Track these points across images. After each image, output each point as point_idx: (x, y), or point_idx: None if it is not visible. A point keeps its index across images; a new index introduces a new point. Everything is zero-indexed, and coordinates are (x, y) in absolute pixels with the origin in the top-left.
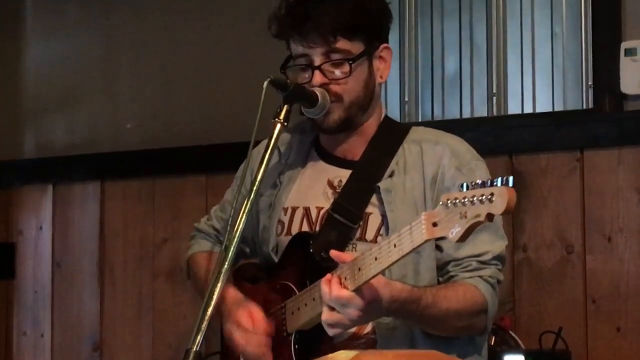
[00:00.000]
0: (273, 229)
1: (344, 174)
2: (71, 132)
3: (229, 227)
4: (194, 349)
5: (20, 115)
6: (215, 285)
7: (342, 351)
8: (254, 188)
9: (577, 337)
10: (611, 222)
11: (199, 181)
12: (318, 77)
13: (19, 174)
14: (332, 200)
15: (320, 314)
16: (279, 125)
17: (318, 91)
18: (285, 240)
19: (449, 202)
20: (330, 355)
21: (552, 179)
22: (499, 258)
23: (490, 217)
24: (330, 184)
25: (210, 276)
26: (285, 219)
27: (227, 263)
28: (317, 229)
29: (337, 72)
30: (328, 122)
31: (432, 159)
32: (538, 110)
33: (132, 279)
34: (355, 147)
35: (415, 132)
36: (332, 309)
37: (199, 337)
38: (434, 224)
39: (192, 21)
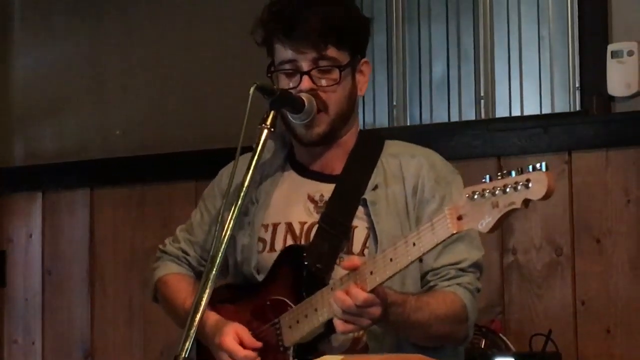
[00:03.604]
0: (254, 247)
1: (325, 188)
2: (60, 139)
3: (215, 233)
4: (183, 355)
5: (10, 123)
6: (203, 292)
7: (327, 356)
8: (241, 194)
9: (567, 339)
10: (600, 224)
11: (188, 187)
12: (307, 82)
13: (8, 182)
14: (315, 214)
15: (323, 324)
16: (265, 131)
17: (305, 97)
18: (268, 257)
19: (475, 194)
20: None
21: None
22: (476, 266)
23: (526, 203)
24: (311, 198)
25: (185, 298)
26: (267, 236)
27: (214, 270)
28: (303, 242)
29: (325, 80)
30: (312, 135)
31: (412, 171)
32: (526, 113)
33: (122, 286)
34: (334, 160)
35: (391, 146)
36: (346, 314)
37: (187, 343)
38: (459, 217)
39: (181, 28)
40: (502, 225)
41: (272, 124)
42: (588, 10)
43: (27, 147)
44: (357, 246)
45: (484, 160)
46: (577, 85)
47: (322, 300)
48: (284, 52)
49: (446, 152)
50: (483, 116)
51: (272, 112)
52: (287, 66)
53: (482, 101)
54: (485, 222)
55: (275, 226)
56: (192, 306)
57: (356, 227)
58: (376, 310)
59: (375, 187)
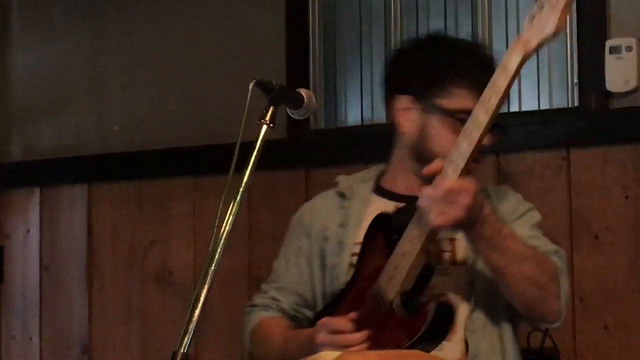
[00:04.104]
0: (345, 264)
1: None
2: (58, 135)
3: (215, 230)
4: (182, 351)
5: (8, 119)
6: (202, 287)
7: (326, 352)
8: (241, 190)
9: (565, 335)
10: (598, 220)
11: (186, 183)
12: (493, 139)
13: (6, 178)
14: None
15: (415, 262)
16: (264, 127)
17: (304, 92)
18: None
19: (532, 18)
20: (314, 356)
21: (538, 178)
22: (559, 254)
23: None
24: None
25: (283, 333)
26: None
27: (214, 264)
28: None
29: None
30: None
31: (496, 192)
32: (524, 109)
33: (120, 282)
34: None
35: None
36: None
37: (186, 339)
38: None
39: (180, 26)
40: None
41: (272, 120)
42: (586, 5)
43: (25, 143)
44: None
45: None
46: (575, 81)
47: (411, 229)
48: (467, 101)
49: None
50: None
51: (271, 108)
52: (465, 115)
53: None
54: (549, 23)
55: None
56: (191, 301)
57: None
58: (466, 199)
59: None
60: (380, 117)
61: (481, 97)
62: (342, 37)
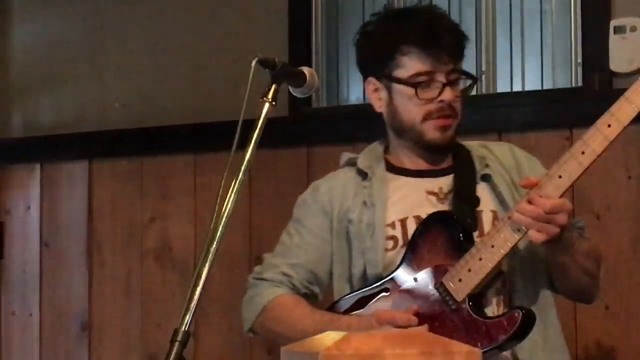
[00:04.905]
0: (380, 247)
1: (441, 182)
2: (59, 111)
3: (216, 208)
4: (183, 329)
5: (8, 95)
6: (204, 265)
7: (331, 331)
8: (243, 168)
9: (566, 316)
10: (600, 200)
11: (187, 160)
12: (450, 93)
13: (6, 154)
14: (440, 205)
15: (493, 270)
16: (267, 105)
17: (306, 70)
18: (402, 251)
19: None
20: (319, 336)
21: (541, 157)
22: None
23: None
24: (430, 192)
25: (310, 314)
26: (397, 232)
27: (215, 242)
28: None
29: (456, 91)
30: (446, 139)
31: (506, 153)
32: (527, 88)
33: (120, 259)
34: (437, 159)
35: (468, 143)
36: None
37: (187, 316)
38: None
39: (181, 0)
40: None
41: (274, 98)
42: None
43: (25, 119)
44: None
45: (484, 136)
46: (579, 60)
47: (494, 237)
48: (419, 64)
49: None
50: (484, 91)
51: (273, 86)
52: (422, 78)
53: (483, 76)
54: None
55: (403, 221)
56: (192, 279)
57: (482, 210)
58: (564, 218)
59: (486, 166)
60: None
61: (599, 123)
62: (344, 15)
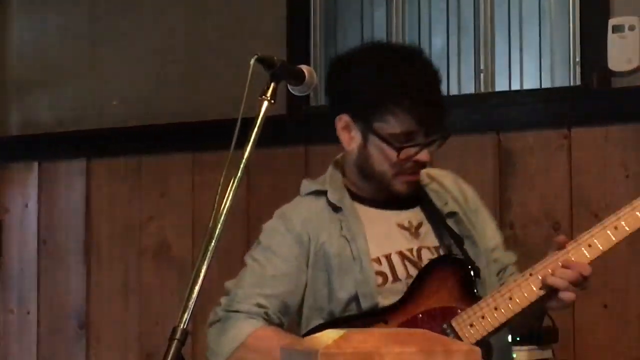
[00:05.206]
0: (373, 280)
1: (406, 216)
2: (57, 109)
3: (215, 207)
4: (181, 327)
5: (6, 92)
6: (202, 263)
7: (330, 330)
8: (241, 166)
9: (564, 313)
10: (598, 199)
11: (185, 159)
12: (427, 155)
13: (5, 151)
14: (414, 240)
15: (510, 321)
16: (265, 103)
17: (305, 68)
18: (393, 287)
19: None
20: (318, 334)
21: (539, 156)
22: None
23: None
24: (402, 226)
25: None
26: (385, 268)
27: (214, 240)
28: (421, 266)
29: (431, 149)
30: (411, 190)
31: (454, 186)
32: (525, 87)
33: (118, 257)
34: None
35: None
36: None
37: (186, 314)
38: None
39: None
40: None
41: (272, 96)
42: None
43: (23, 117)
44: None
45: (482, 134)
46: (578, 59)
47: (512, 290)
48: (403, 125)
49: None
50: (482, 90)
51: (272, 84)
52: (402, 137)
53: (482, 74)
54: None
55: (388, 257)
56: (191, 277)
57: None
58: (590, 285)
59: (446, 203)
60: None
61: (635, 202)
62: (343, 13)
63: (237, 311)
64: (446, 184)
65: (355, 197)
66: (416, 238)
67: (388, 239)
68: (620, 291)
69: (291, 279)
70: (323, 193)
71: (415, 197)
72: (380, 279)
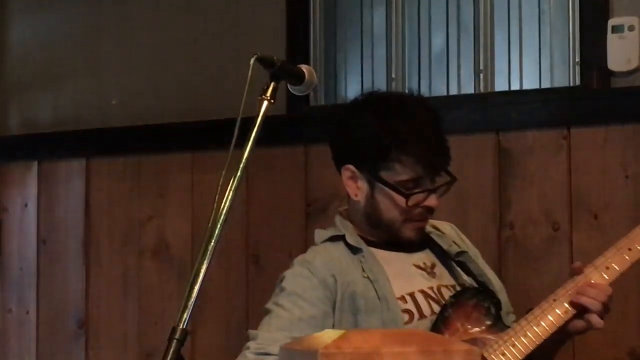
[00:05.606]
0: (400, 319)
1: (421, 257)
2: (56, 108)
3: (215, 206)
4: (181, 326)
5: (6, 91)
6: (202, 263)
7: (329, 330)
8: (241, 166)
9: None
10: (598, 199)
11: (185, 158)
12: (435, 200)
13: (4, 151)
14: (432, 279)
15: (534, 349)
16: (265, 103)
17: (304, 68)
18: (419, 324)
19: None
20: (318, 334)
21: (538, 156)
22: None
23: None
24: (418, 267)
25: None
26: (410, 306)
27: (213, 240)
28: (443, 302)
29: (439, 194)
30: (419, 236)
31: (450, 231)
32: (525, 87)
33: (117, 257)
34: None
35: None
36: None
37: (185, 314)
38: None
39: None
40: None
41: (272, 96)
42: None
43: (23, 116)
44: None
45: (482, 134)
46: (577, 59)
47: (539, 317)
48: (410, 172)
49: (444, 125)
50: (482, 90)
51: (272, 84)
52: (410, 184)
53: (481, 74)
54: None
55: (412, 295)
56: (190, 277)
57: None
58: (609, 308)
59: (450, 246)
60: None
61: None
62: (342, 12)
63: (267, 354)
64: (444, 230)
65: (368, 242)
66: (433, 277)
67: (408, 279)
68: (619, 291)
69: (318, 322)
70: (340, 238)
71: (421, 241)
72: (406, 317)
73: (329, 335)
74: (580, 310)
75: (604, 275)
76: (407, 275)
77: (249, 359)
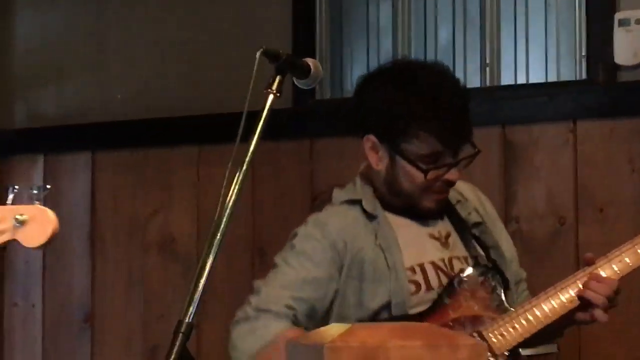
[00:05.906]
0: (407, 289)
1: (437, 226)
2: (62, 102)
3: (220, 200)
4: (187, 320)
5: (11, 85)
6: (207, 257)
7: (335, 324)
8: (247, 160)
9: None
10: (604, 193)
11: (190, 152)
12: (456, 174)
13: (10, 144)
14: (445, 250)
15: (534, 334)
16: (271, 96)
17: (310, 61)
18: (425, 296)
19: None
20: (323, 328)
21: (544, 150)
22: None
23: None
24: (433, 237)
25: None
26: (419, 277)
27: (219, 234)
28: (453, 275)
29: (461, 168)
30: (439, 206)
31: (472, 195)
32: (531, 81)
33: (122, 250)
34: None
35: None
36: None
37: (191, 308)
38: None
39: None
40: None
41: (278, 89)
42: None
43: (28, 110)
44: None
45: (488, 128)
46: (584, 53)
47: (543, 302)
48: (431, 147)
49: (467, 94)
50: (488, 83)
51: (278, 77)
52: (430, 159)
53: (488, 68)
54: None
55: (421, 267)
56: (196, 271)
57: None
58: (618, 300)
59: (469, 214)
60: None
61: None
62: (348, 5)
63: (267, 310)
64: (467, 195)
65: (387, 207)
66: (446, 248)
67: (421, 249)
68: (625, 286)
69: (322, 285)
70: (357, 202)
71: (440, 209)
72: (413, 288)
73: (335, 330)
74: (585, 303)
75: (615, 268)
76: (419, 245)
77: (248, 314)
